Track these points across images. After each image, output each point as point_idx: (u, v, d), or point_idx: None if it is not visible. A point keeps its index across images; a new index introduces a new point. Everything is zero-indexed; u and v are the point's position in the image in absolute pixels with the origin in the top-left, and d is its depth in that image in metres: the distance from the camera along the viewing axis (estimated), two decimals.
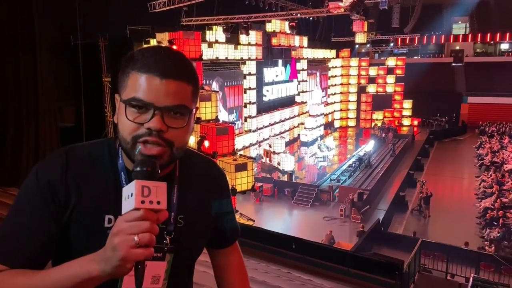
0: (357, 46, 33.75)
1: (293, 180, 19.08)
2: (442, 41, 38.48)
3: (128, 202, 0.87)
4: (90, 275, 0.87)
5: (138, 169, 0.90)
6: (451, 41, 38.83)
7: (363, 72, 33.20)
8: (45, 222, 1.01)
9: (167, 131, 0.98)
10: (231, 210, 1.32)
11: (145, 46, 1.06)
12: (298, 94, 27.99)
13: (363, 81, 33.19)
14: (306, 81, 28.42)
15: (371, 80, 33.06)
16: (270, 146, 21.33)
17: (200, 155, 1.32)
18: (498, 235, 12.97)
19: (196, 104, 1.07)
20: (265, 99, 24.10)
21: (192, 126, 1.06)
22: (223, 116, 19.38)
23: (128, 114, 0.98)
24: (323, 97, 31.23)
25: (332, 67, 32.38)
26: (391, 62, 33.07)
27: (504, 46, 40.42)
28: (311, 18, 27.03)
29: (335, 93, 32.77)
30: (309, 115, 27.51)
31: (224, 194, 1.30)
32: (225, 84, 20.65)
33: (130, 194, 0.87)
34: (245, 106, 22.26)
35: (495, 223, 13.83)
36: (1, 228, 1.02)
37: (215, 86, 19.63)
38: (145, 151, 0.98)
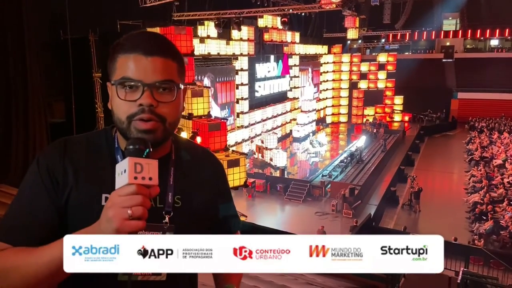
0: (348, 42, 33.83)
1: (285, 176, 19.11)
2: (433, 37, 38.70)
3: (122, 178, 0.92)
4: None
5: (131, 147, 0.95)
6: (442, 37, 39.08)
7: (354, 68, 33.28)
8: (45, 204, 1.07)
9: (158, 106, 1.05)
10: (236, 213, 1.37)
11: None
12: (290, 90, 27.98)
13: (354, 77, 33.27)
14: (298, 76, 28.42)
15: (363, 76, 33.15)
16: (262, 142, 21.32)
17: (195, 144, 1.38)
18: (487, 229, 13.16)
19: (184, 81, 1.13)
20: (257, 94, 24.06)
21: (182, 102, 1.13)
22: (215, 112, 19.32)
23: (120, 94, 1.05)
24: (315, 93, 31.28)
25: (324, 63, 32.41)
26: (382, 58, 33.19)
27: (494, 42, 40.84)
28: (303, 14, 26.96)
29: (327, 89, 32.82)
30: (301, 111, 27.55)
31: (228, 197, 1.35)
32: (217, 80, 20.56)
33: (124, 171, 0.91)
34: (237, 102, 22.21)
35: (484, 218, 14.02)
36: (7, 211, 1.09)
37: (206, 82, 19.53)
38: (140, 126, 1.04)
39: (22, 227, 1.05)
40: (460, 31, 38.53)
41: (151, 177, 0.91)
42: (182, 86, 1.11)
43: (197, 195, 1.21)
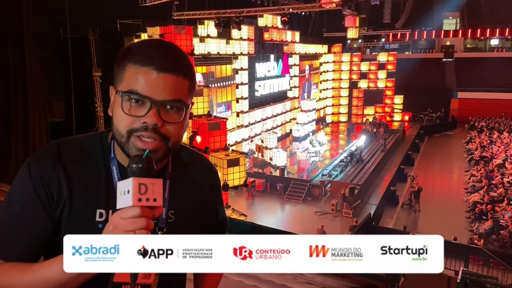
0: (348, 41, 33.78)
1: (285, 175, 19.10)
2: (433, 37, 38.71)
3: (124, 198, 0.88)
4: None
5: (134, 166, 0.90)
6: (442, 36, 39.06)
7: (354, 68, 33.25)
8: (39, 215, 1.01)
9: (163, 125, 0.98)
10: (225, 215, 1.37)
11: (142, 39, 1.08)
12: (290, 89, 27.98)
13: (354, 77, 33.24)
14: (298, 76, 28.41)
15: (363, 76, 33.12)
16: (262, 141, 21.33)
17: (193, 151, 1.32)
18: (487, 228, 13.16)
19: (192, 99, 1.08)
20: (257, 94, 24.05)
21: (187, 121, 1.06)
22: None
23: (124, 107, 0.98)
24: (314, 92, 31.26)
25: (324, 62, 32.38)
26: (382, 57, 33.15)
27: (494, 42, 40.81)
28: (303, 13, 26.97)
29: (327, 88, 32.80)
30: (301, 110, 27.54)
31: (219, 201, 1.34)
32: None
33: (127, 191, 0.87)
34: (237, 101, 22.20)
35: (484, 217, 14.02)
36: None
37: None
38: (141, 145, 0.98)
39: (15, 241, 1.00)
40: (460, 31, 38.52)
41: (156, 198, 0.88)
42: (190, 105, 1.05)
43: (190, 207, 1.18)
